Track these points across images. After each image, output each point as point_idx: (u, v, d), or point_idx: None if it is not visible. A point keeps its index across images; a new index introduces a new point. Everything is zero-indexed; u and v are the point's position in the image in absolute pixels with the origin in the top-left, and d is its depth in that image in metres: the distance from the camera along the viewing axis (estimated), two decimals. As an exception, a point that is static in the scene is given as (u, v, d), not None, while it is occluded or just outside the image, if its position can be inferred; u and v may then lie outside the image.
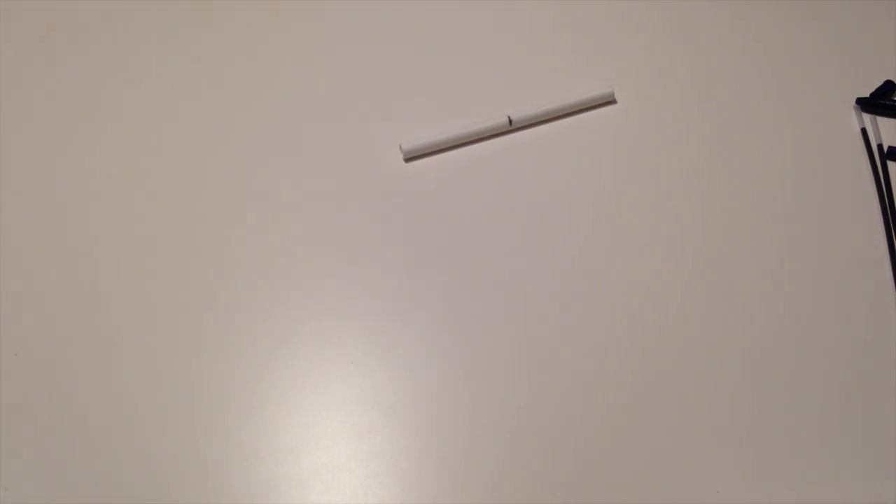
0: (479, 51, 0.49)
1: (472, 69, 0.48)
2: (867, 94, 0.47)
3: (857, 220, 0.42)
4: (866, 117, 0.46)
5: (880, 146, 0.45)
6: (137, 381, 0.36)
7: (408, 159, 0.44)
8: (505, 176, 0.44)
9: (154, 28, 0.50)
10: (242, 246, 0.41)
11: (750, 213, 0.42)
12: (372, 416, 0.36)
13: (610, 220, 0.42)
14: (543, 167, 0.44)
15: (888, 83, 0.47)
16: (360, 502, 0.34)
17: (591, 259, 0.41)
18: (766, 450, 0.35)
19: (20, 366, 0.37)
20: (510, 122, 0.45)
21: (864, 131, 0.45)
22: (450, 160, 0.44)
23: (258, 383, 0.37)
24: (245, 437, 0.35)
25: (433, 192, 0.43)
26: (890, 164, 0.44)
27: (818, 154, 0.45)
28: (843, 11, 0.51)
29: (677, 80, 0.48)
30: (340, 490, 0.34)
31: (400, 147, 0.44)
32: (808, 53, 0.49)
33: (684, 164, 0.44)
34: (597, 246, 0.41)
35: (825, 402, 0.37)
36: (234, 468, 0.34)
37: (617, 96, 0.47)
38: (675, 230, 0.42)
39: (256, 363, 0.37)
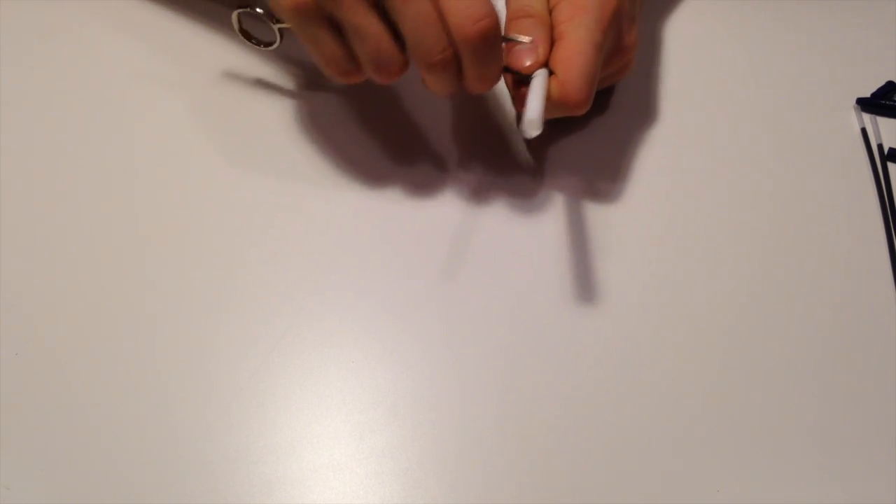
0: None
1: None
2: (867, 94, 0.47)
3: (857, 220, 0.42)
4: (866, 117, 0.46)
5: (880, 146, 0.45)
6: (137, 380, 0.36)
7: None
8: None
9: None
10: (241, 244, 0.41)
11: (748, 212, 0.42)
12: (372, 416, 0.36)
13: (606, 220, 0.42)
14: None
15: (889, 84, 0.47)
16: (360, 502, 0.34)
17: (588, 259, 0.41)
18: (766, 450, 0.35)
19: (21, 366, 0.37)
20: None
21: (864, 131, 0.45)
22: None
23: (258, 382, 0.37)
24: (245, 436, 0.35)
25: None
26: (890, 164, 0.44)
27: (818, 154, 0.45)
28: (843, 11, 0.51)
29: (675, 79, 0.48)
30: (341, 489, 0.34)
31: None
32: (809, 53, 0.49)
33: (682, 163, 0.44)
34: (589, 245, 0.41)
35: (825, 401, 0.37)
36: (233, 467, 0.34)
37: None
38: (672, 231, 0.42)
39: (257, 362, 0.37)
